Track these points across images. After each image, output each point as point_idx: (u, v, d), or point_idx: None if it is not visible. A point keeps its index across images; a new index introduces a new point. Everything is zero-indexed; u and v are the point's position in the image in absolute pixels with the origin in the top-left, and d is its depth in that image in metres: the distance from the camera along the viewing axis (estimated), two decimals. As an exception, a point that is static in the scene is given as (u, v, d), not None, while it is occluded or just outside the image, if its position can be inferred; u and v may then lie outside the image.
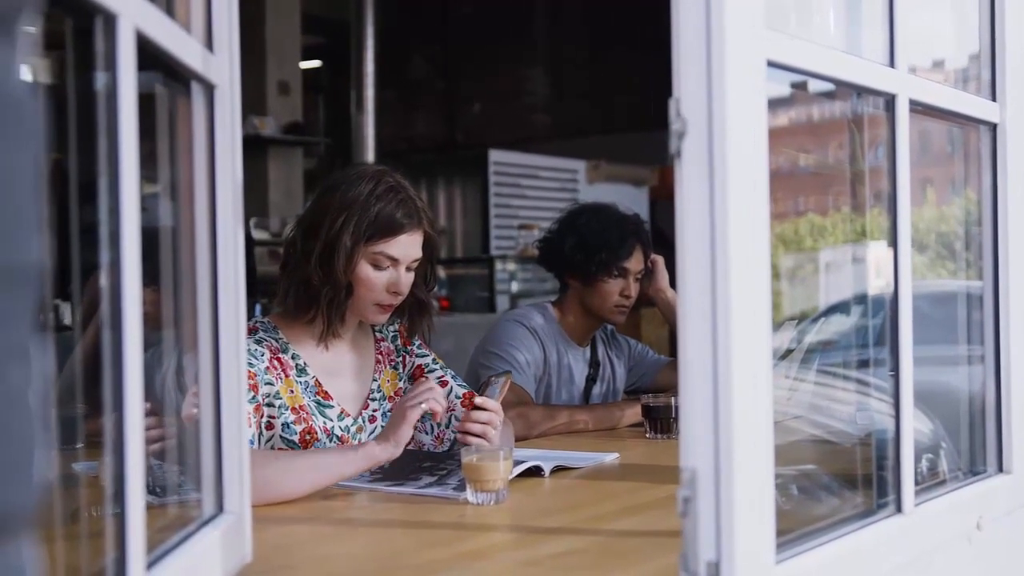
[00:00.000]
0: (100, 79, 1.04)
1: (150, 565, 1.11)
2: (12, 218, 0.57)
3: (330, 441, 2.22)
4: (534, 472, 2.14)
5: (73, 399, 1.72)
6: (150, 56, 1.13)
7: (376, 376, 2.37)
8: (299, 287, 2.22)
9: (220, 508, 1.40)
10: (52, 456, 0.64)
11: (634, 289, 3.07)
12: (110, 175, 1.03)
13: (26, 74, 0.61)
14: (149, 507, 1.09)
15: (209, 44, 1.37)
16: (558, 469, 2.21)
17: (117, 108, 1.02)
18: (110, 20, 1.01)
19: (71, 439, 1.55)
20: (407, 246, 2.23)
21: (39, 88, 0.61)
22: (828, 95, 1.76)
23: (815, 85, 1.57)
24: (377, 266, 2.21)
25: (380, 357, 2.40)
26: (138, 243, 1.04)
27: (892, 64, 1.54)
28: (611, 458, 2.38)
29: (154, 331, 1.29)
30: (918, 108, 1.60)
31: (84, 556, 1.23)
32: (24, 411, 0.59)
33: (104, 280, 1.03)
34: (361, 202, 2.18)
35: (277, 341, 2.24)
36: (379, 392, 2.36)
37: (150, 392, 1.09)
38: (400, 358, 2.43)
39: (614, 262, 3.03)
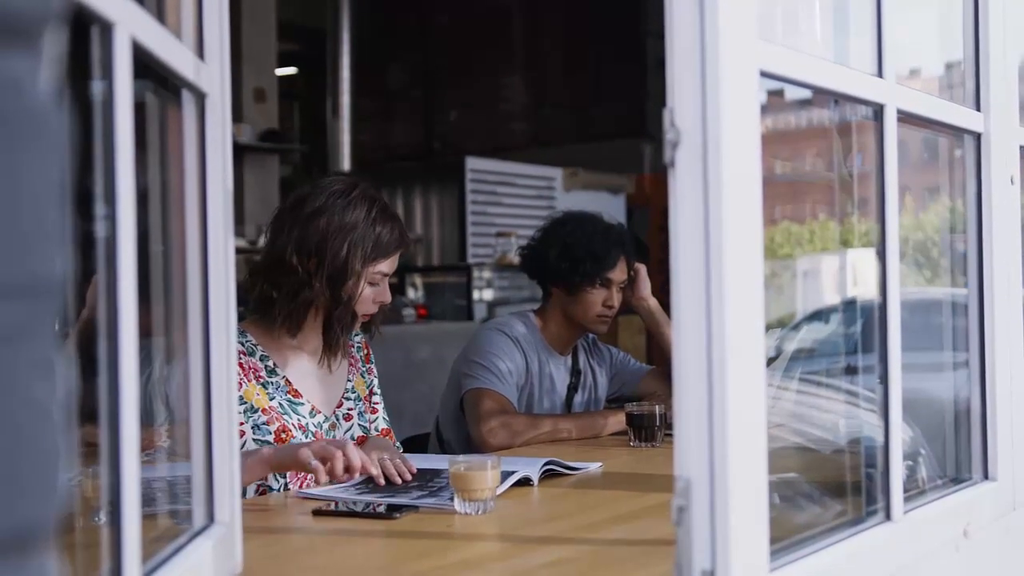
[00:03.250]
0: (95, 87, 1.03)
1: (144, 577, 1.10)
2: (37, 230, 0.57)
3: (305, 437, 2.29)
4: (522, 482, 2.13)
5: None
6: (142, 64, 1.12)
7: (350, 377, 2.47)
8: (303, 309, 2.30)
9: (211, 519, 1.39)
10: (73, 469, 0.64)
11: (617, 299, 3.07)
12: (106, 183, 1.02)
13: (50, 86, 0.60)
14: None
15: (200, 52, 1.37)
16: (548, 474, 2.22)
17: (113, 116, 1.02)
18: (106, 28, 1.01)
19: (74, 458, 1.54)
20: (396, 261, 2.38)
21: (62, 100, 0.61)
22: (804, 103, 1.77)
23: (791, 93, 1.57)
24: (372, 283, 2.34)
25: (352, 360, 2.50)
26: (134, 250, 1.04)
27: (880, 74, 1.55)
28: (595, 467, 2.38)
29: (141, 339, 1.28)
30: (904, 117, 1.61)
31: (76, 567, 1.21)
32: (49, 425, 0.58)
33: (100, 289, 1.02)
34: (362, 227, 2.29)
35: (243, 344, 2.29)
36: (353, 392, 2.46)
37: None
38: (366, 368, 2.56)
39: (598, 272, 3.03)
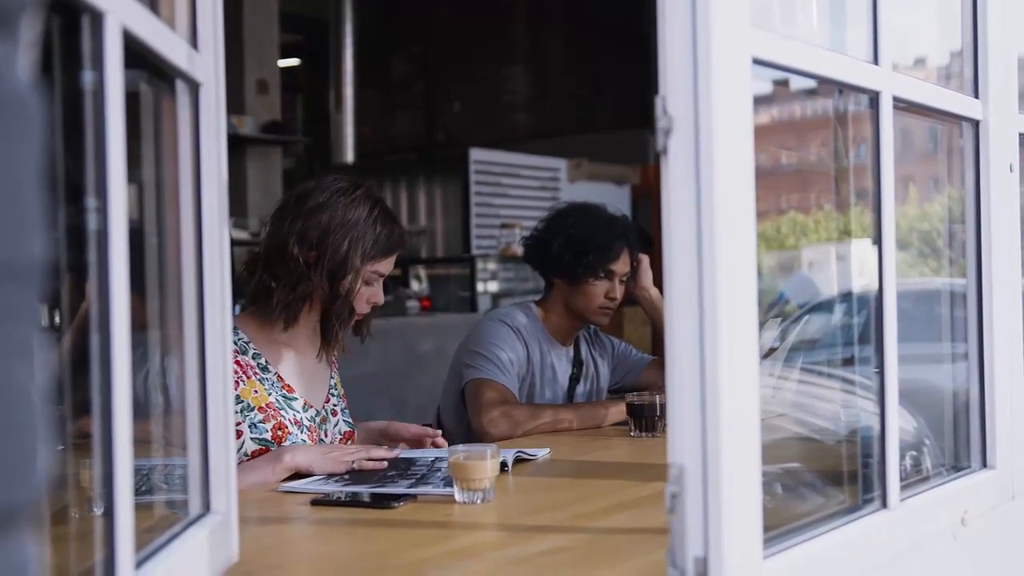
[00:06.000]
0: (86, 77, 1.03)
1: (138, 564, 1.10)
2: (16, 214, 0.57)
3: (300, 432, 2.32)
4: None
5: (55, 400, 1.71)
6: (135, 54, 1.13)
7: (333, 375, 2.52)
8: (300, 301, 2.32)
9: (207, 508, 1.39)
10: (54, 452, 0.64)
11: (619, 291, 3.07)
12: (97, 174, 1.02)
13: (28, 72, 0.61)
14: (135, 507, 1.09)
15: (194, 42, 1.37)
16: (518, 461, 2.27)
17: (104, 106, 1.02)
18: (97, 18, 1.01)
19: (54, 440, 1.54)
20: (392, 262, 2.41)
21: (40, 86, 0.61)
22: (810, 92, 1.77)
23: (797, 83, 1.57)
24: (367, 282, 2.36)
25: (333, 360, 2.53)
26: (126, 243, 1.04)
27: (876, 61, 1.55)
28: (543, 453, 2.42)
29: (136, 332, 1.29)
30: (901, 105, 1.61)
31: (70, 556, 1.22)
32: (28, 407, 0.59)
33: (91, 281, 1.02)
34: (363, 225, 2.32)
35: (235, 343, 2.29)
36: (336, 390, 2.51)
37: (132, 393, 1.09)
38: (337, 368, 2.58)
39: (601, 264, 3.02)
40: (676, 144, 1.19)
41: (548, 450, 2.45)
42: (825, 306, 2.69)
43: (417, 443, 2.47)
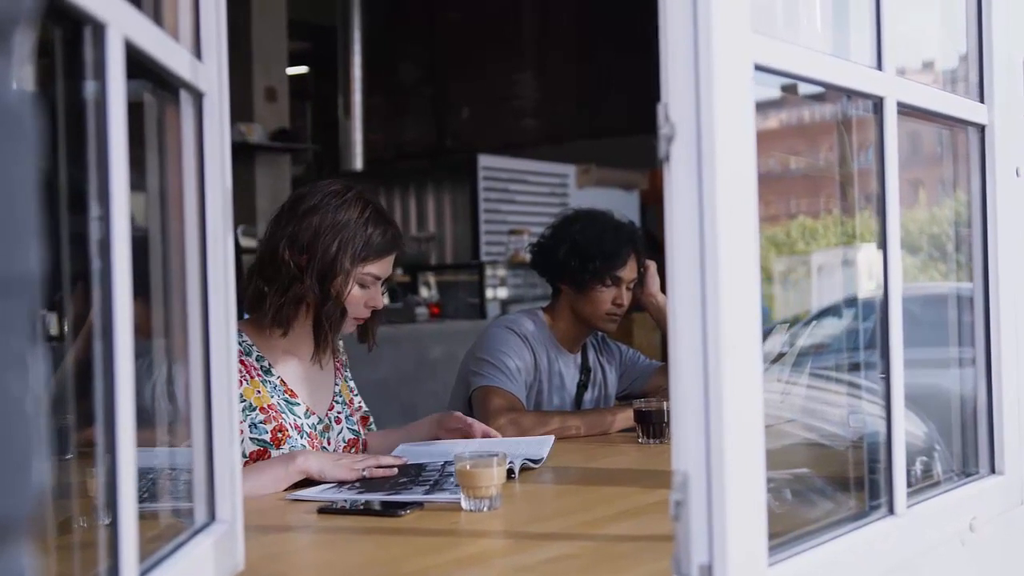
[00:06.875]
0: (89, 87, 1.04)
1: (143, 574, 1.10)
2: (11, 227, 0.57)
3: (300, 437, 2.32)
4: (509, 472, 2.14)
5: (62, 409, 1.72)
6: (138, 64, 1.13)
7: (337, 382, 2.51)
8: (292, 305, 2.32)
9: (212, 517, 1.39)
10: (50, 464, 0.64)
11: (626, 297, 3.06)
12: (100, 184, 1.03)
13: (23, 84, 0.61)
14: (140, 515, 1.09)
15: (197, 52, 1.37)
16: (524, 469, 2.26)
17: (106, 116, 1.02)
18: (99, 29, 1.01)
19: (62, 450, 1.55)
20: (389, 265, 2.40)
21: (35, 98, 0.61)
22: (818, 98, 1.76)
23: (805, 88, 1.57)
24: (362, 285, 2.35)
25: (338, 366, 2.53)
26: (129, 252, 1.04)
27: (880, 67, 1.54)
28: (548, 442, 2.45)
29: (143, 341, 1.29)
30: (906, 110, 1.61)
31: (75, 565, 1.22)
32: (23, 419, 0.59)
33: (95, 290, 1.03)
34: (353, 226, 2.31)
35: (240, 345, 2.30)
36: (340, 397, 2.50)
37: (140, 402, 1.09)
38: (348, 372, 2.58)
39: (608, 271, 3.02)
40: (678, 151, 1.20)
41: (552, 437, 2.48)
42: (834, 311, 2.69)
43: (464, 434, 2.50)
